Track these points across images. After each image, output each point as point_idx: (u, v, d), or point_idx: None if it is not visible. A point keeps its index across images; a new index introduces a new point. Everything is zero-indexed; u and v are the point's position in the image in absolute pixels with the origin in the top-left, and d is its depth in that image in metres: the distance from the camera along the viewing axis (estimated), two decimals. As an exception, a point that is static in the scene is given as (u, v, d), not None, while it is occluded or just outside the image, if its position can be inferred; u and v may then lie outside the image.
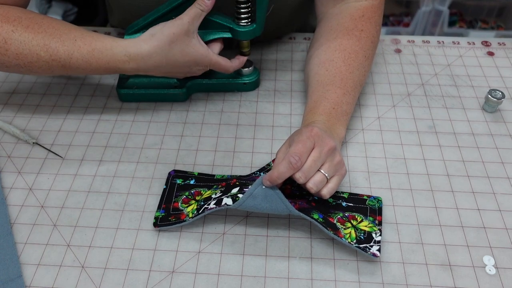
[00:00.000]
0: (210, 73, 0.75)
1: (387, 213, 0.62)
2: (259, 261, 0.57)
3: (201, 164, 0.67)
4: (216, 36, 0.70)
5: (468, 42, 0.88)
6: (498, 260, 0.57)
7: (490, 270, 0.56)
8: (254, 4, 0.67)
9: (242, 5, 0.67)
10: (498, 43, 0.88)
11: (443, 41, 0.89)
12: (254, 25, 0.68)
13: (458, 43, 0.88)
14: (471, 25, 1.83)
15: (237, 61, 0.72)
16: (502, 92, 0.74)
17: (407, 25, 1.79)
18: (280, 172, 0.53)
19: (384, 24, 1.85)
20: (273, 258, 0.57)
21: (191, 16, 0.64)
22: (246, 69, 0.76)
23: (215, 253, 0.58)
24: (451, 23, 1.79)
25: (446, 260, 0.57)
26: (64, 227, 0.61)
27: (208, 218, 0.61)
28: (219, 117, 0.74)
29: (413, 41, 0.89)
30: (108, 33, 0.90)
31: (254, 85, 0.78)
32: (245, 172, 0.66)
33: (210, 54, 0.67)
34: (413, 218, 0.61)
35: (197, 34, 0.66)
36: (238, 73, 0.77)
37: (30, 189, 0.65)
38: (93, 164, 0.68)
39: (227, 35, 0.69)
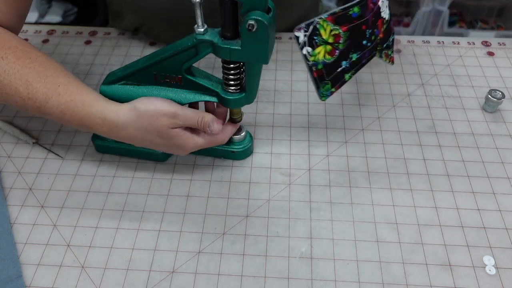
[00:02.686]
0: None
1: (387, 213, 0.62)
2: (259, 261, 0.57)
3: (200, 162, 0.67)
4: (201, 99, 0.61)
5: (468, 42, 0.89)
6: (498, 260, 0.57)
7: (490, 270, 0.56)
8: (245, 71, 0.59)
9: (231, 71, 0.58)
10: (498, 43, 0.88)
11: (443, 41, 0.89)
12: (244, 94, 0.60)
13: (458, 43, 0.88)
14: (471, 25, 1.83)
15: (227, 131, 0.63)
16: (502, 92, 0.74)
17: (407, 25, 1.79)
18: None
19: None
20: (273, 258, 0.57)
21: (186, 116, 0.58)
22: (236, 136, 0.67)
23: (215, 253, 0.58)
24: (451, 23, 1.79)
25: (446, 260, 0.57)
26: (64, 227, 0.61)
27: (208, 218, 0.61)
28: (219, 117, 0.74)
29: (413, 41, 0.89)
30: (108, 33, 0.91)
31: (244, 154, 0.68)
32: (245, 172, 0.66)
33: (194, 138, 0.60)
34: (413, 218, 0.61)
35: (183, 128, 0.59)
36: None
37: (30, 189, 0.65)
38: (93, 164, 0.68)
39: (214, 99, 0.61)
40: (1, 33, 0.59)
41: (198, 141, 0.60)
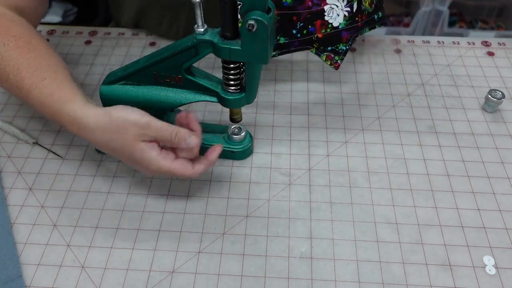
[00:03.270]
0: None
1: (387, 213, 0.62)
2: (259, 261, 0.57)
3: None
4: (201, 99, 0.61)
5: (468, 42, 0.89)
6: (498, 260, 0.57)
7: (490, 270, 0.56)
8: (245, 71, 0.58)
9: (231, 71, 0.58)
10: (498, 43, 0.88)
11: (443, 41, 0.89)
12: (243, 94, 0.60)
13: (458, 43, 0.88)
14: (471, 25, 1.83)
15: (202, 165, 0.57)
16: (502, 92, 0.74)
17: (407, 25, 1.79)
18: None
19: (384, 24, 1.85)
20: (273, 258, 0.57)
21: (158, 128, 0.54)
22: (236, 136, 0.67)
23: (215, 253, 0.58)
24: (451, 23, 1.79)
25: (446, 260, 0.57)
26: (64, 227, 0.61)
27: (208, 218, 0.61)
28: (219, 119, 0.74)
29: (413, 41, 0.89)
30: (108, 33, 0.91)
31: (244, 154, 0.68)
32: (245, 172, 0.66)
33: (159, 161, 0.55)
34: (413, 218, 0.61)
35: (152, 144, 0.55)
36: (228, 138, 0.68)
37: (30, 189, 0.65)
38: (93, 164, 0.68)
39: (214, 99, 0.61)
40: (13, 20, 0.61)
41: (163, 164, 0.55)
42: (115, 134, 0.54)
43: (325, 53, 0.75)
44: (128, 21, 0.91)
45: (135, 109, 0.56)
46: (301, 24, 0.71)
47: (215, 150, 0.58)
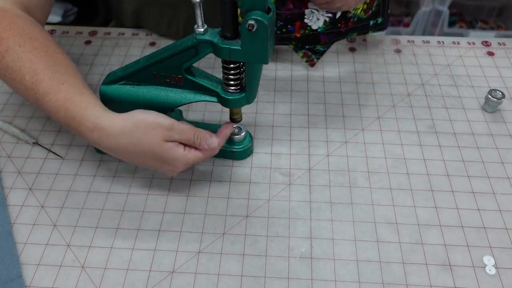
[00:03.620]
0: None
1: (387, 213, 0.62)
2: (259, 261, 0.57)
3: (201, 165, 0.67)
4: (201, 99, 0.61)
5: (468, 42, 0.88)
6: (498, 260, 0.57)
7: (490, 270, 0.56)
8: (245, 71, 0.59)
9: (231, 71, 0.58)
10: (498, 43, 0.88)
11: (443, 41, 0.89)
12: (243, 94, 0.60)
13: (458, 43, 0.88)
14: (471, 25, 1.83)
15: (217, 139, 0.59)
16: (502, 92, 0.74)
17: (407, 25, 1.79)
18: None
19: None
20: (273, 258, 0.57)
21: (182, 130, 0.57)
22: (236, 136, 0.67)
23: (215, 253, 0.58)
24: (451, 23, 1.79)
25: (446, 260, 0.57)
26: (64, 227, 0.61)
27: (208, 218, 0.61)
28: (219, 119, 0.74)
29: (413, 41, 0.89)
30: (108, 33, 0.91)
31: (244, 154, 0.68)
32: (245, 172, 0.66)
33: (186, 155, 0.57)
34: (413, 218, 0.61)
35: (177, 143, 0.57)
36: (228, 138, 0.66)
37: (30, 189, 0.65)
38: (93, 164, 0.68)
39: (213, 99, 0.61)
40: (26, 20, 0.61)
41: (189, 157, 0.58)
42: (143, 138, 0.55)
43: (303, 50, 0.79)
44: (128, 19, 0.91)
45: (156, 112, 0.57)
46: (281, 23, 0.74)
47: (228, 128, 0.61)
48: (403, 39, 0.89)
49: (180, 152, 0.57)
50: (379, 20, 0.80)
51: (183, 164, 0.58)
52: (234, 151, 0.67)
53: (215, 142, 0.58)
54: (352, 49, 0.86)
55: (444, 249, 0.58)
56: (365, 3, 0.76)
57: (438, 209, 0.62)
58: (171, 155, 0.57)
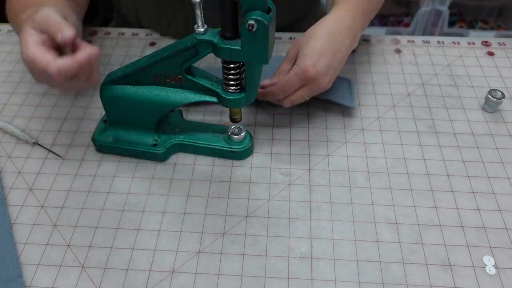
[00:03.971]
0: (191, 134, 0.68)
1: (387, 213, 0.62)
2: (259, 261, 0.57)
3: (200, 163, 0.68)
4: (201, 99, 0.61)
5: (468, 42, 0.89)
6: (498, 260, 0.57)
7: (490, 270, 0.56)
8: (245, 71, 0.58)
9: (231, 71, 0.58)
10: (498, 43, 0.88)
11: (443, 41, 0.89)
12: (243, 94, 0.60)
13: (458, 43, 0.88)
14: (471, 25, 1.83)
15: (64, 60, 0.50)
16: (502, 92, 0.74)
17: (407, 25, 1.80)
18: (264, 94, 0.67)
19: (384, 24, 1.85)
20: (273, 258, 0.57)
21: (46, 14, 0.54)
22: (236, 136, 0.67)
23: (215, 253, 0.58)
24: (451, 23, 1.79)
25: (446, 260, 0.57)
26: (64, 227, 0.61)
27: (208, 218, 0.61)
28: (219, 119, 0.74)
29: (413, 41, 0.89)
30: (108, 33, 0.91)
31: (244, 154, 0.68)
32: (245, 172, 0.67)
33: (28, 46, 0.52)
34: (413, 218, 0.61)
35: (36, 33, 0.53)
36: (228, 138, 0.67)
37: (30, 189, 0.65)
38: (93, 164, 0.68)
39: (213, 99, 0.61)
40: None
41: (30, 50, 0.52)
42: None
43: None
44: (128, 17, 0.91)
45: (59, 9, 0.57)
46: None
47: (88, 52, 0.51)
48: (403, 39, 0.89)
49: (32, 39, 0.53)
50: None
51: (25, 52, 0.52)
52: (234, 151, 0.67)
53: (67, 33, 0.51)
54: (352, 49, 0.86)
55: (444, 249, 0.58)
56: None
57: (438, 209, 0.62)
58: (24, 38, 0.53)
